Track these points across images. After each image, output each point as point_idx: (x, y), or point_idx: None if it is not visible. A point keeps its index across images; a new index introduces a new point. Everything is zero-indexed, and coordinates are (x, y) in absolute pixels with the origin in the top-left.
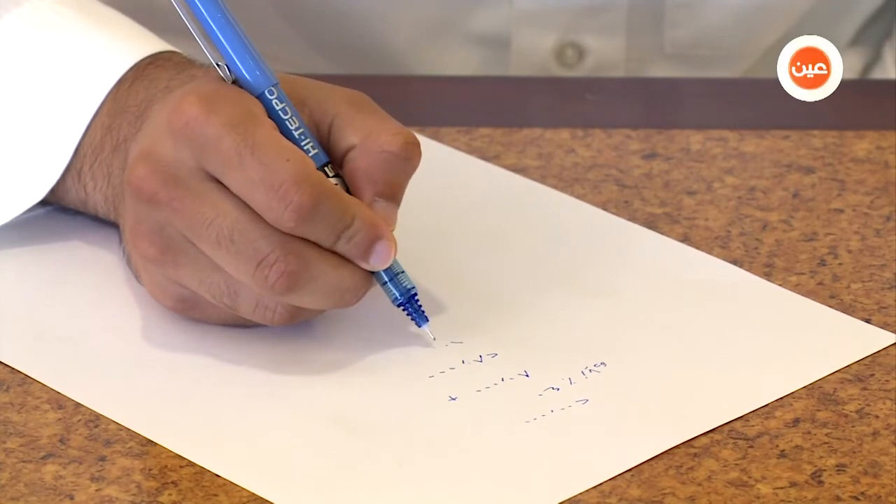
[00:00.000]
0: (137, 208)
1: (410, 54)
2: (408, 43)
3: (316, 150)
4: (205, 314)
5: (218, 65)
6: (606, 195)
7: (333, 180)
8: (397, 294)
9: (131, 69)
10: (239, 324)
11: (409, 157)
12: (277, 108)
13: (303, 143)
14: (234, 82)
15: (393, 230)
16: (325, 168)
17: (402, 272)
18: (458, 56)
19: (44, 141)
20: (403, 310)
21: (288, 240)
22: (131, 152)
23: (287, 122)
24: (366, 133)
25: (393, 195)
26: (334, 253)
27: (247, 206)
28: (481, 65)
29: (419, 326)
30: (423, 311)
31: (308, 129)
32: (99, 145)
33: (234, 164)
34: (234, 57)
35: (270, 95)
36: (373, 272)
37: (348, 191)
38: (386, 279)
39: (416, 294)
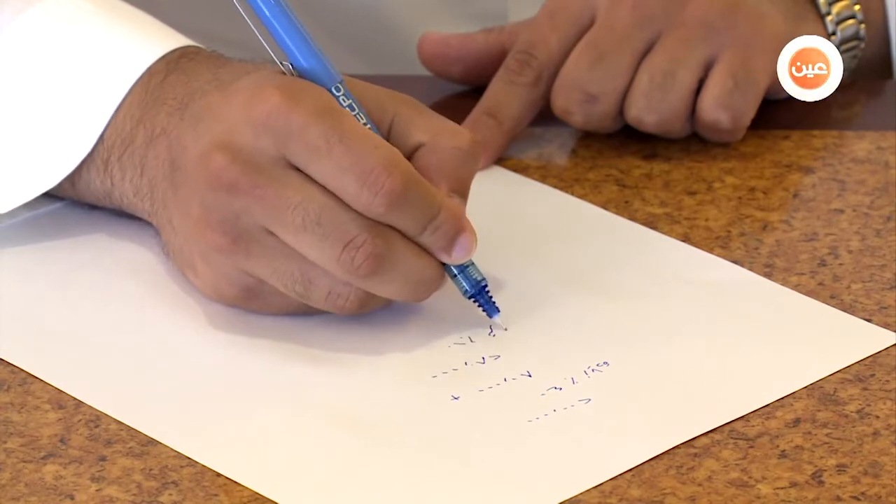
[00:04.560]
0: (210, 197)
1: (409, 31)
2: (407, 21)
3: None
4: (267, 304)
5: (282, 63)
6: (606, 195)
7: None
8: (467, 286)
9: (160, 62)
10: (300, 312)
11: (477, 155)
12: (345, 104)
13: None
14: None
15: None
16: None
17: (472, 264)
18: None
19: (67, 129)
20: (474, 301)
21: (375, 223)
22: (191, 145)
23: (355, 118)
24: (433, 132)
25: (463, 191)
26: (415, 244)
27: (332, 194)
28: None
29: (490, 317)
30: (494, 303)
31: (374, 124)
32: (129, 136)
33: (321, 153)
34: (298, 54)
35: (337, 92)
36: (443, 265)
37: None
38: (456, 272)
39: (486, 285)
